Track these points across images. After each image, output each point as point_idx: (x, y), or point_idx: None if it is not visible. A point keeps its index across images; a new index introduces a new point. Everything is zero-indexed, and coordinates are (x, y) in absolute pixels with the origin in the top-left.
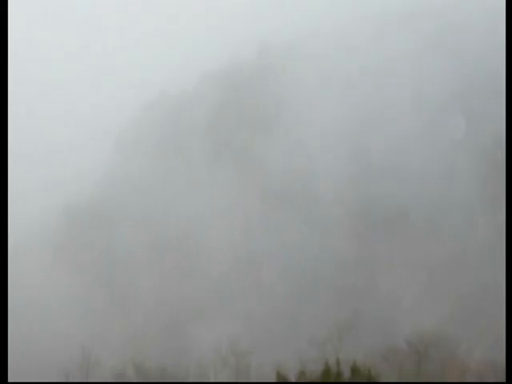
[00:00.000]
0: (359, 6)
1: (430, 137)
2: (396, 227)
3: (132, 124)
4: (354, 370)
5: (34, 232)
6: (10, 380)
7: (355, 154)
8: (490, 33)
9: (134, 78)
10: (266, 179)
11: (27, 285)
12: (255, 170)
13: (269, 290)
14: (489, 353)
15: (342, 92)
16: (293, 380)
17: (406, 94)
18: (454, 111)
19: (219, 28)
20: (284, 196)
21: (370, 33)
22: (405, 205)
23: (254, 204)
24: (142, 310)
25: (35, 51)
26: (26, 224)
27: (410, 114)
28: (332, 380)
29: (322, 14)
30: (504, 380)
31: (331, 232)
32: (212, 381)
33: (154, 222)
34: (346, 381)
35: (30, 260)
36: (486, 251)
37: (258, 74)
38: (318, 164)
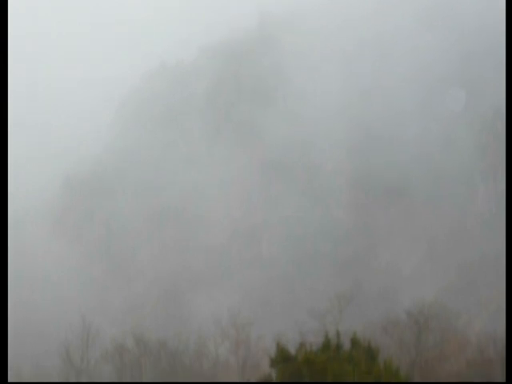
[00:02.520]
0: None
1: (429, 108)
2: (396, 198)
3: (132, 95)
4: (354, 341)
5: (34, 203)
6: (10, 351)
7: (355, 125)
8: (490, 5)
9: (133, 49)
10: (266, 151)
11: (27, 256)
12: (254, 141)
13: (268, 262)
14: (489, 324)
15: (342, 64)
16: (293, 352)
17: (406, 65)
18: (453, 83)
19: None
20: (283, 168)
21: (370, 5)
22: (405, 175)
23: (254, 175)
24: (141, 281)
25: (35, 24)
26: (25, 195)
27: (410, 85)
28: (332, 352)
29: None
30: (503, 357)
31: (331, 203)
32: (212, 352)
33: (153, 193)
34: (347, 355)
35: (30, 231)
36: (486, 221)
37: (257, 46)
38: (318, 135)
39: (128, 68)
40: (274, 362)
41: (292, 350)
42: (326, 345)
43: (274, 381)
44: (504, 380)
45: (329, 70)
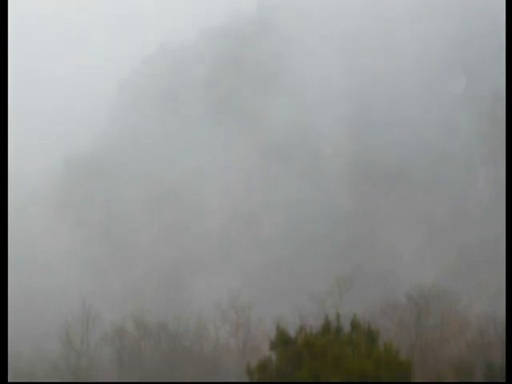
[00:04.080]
0: None
1: (430, 92)
2: (396, 182)
3: (131, 79)
4: (354, 324)
5: (34, 187)
6: (10, 334)
7: (355, 109)
8: None
9: (133, 32)
10: (266, 134)
11: (27, 239)
12: (255, 124)
13: (268, 245)
14: (489, 306)
15: (343, 48)
16: (293, 334)
17: (406, 49)
18: (454, 67)
19: None
20: (283, 151)
21: None
22: (405, 159)
23: (254, 159)
24: (141, 264)
25: (35, 7)
26: (25, 179)
27: (410, 70)
28: (332, 334)
29: None
30: (503, 338)
31: (331, 187)
32: (212, 335)
33: (153, 176)
34: (347, 337)
35: (30, 214)
36: (486, 205)
37: (257, 30)
38: (318, 119)
39: (128, 51)
40: (273, 345)
41: (292, 332)
42: (326, 328)
43: (274, 365)
44: (505, 362)
45: (329, 53)
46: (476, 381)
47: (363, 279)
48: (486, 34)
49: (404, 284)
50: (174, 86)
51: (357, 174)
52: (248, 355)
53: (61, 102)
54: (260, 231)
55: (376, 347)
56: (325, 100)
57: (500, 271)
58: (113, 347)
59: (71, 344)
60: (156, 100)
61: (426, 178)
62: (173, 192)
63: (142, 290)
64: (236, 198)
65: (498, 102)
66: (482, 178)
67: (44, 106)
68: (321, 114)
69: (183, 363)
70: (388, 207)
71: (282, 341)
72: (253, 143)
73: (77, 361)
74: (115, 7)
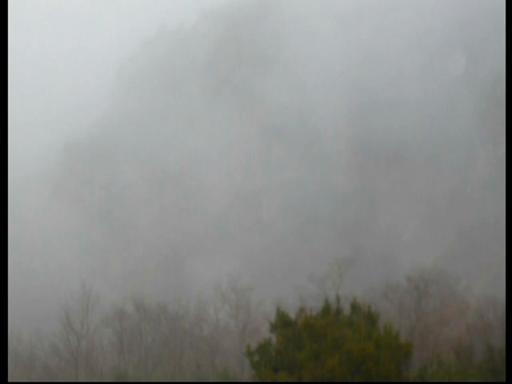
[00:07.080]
0: None
1: (430, 72)
2: (396, 162)
3: (131, 60)
4: (354, 306)
5: (35, 168)
6: (10, 316)
7: (355, 89)
8: None
9: (133, 13)
10: (266, 115)
11: (27, 221)
12: (255, 106)
13: (269, 227)
14: (489, 288)
15: (342, 28)
16: (293, 316)
17: (407, 30)
18: (454, 47)
19: None
20: (283, 132)
21: None
22: (405, 140)
23: (254, 140)
24: (141, 246)
25: None
26: (26, 160)
27: (411, 50)
28: (332, 316)
29: None
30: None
31: (331, 168)
32: (212, 317)
33: (153, 158)
34: (346, 316)
35: (30, 196)
36: (486, 186)
37: (257, 11)
38: (318, 100)
39: (128, 33)
40: (274, 327)
41: (292, 314)
42: (326, 309)
43: (274, 346)
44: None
45: (329, 34)
46: (475, 364)
47: (363, 260)
48: (486, 14)
49: (404, 265)
50: (174, 67)
51: (357, 155)
52: (248, 337)
53: (61, 84)
54: (260, 213)
55: (376, 329)
56: (325, 80)
57: (500, 252)
58: (113, 329)
59: (71, 325)
60: (156, 82)
61: (426, 159)
62: (173, 174)
63: (142, 272)
64: (236, 179)
65: (498, 82)
66: (481, 158)
67: (44, 88)
68: (321, 94)
69: (183, 345)
70: (388, 188)
71: (282, 323)
72: (253, 124)
73: (77, 342)
74: None
